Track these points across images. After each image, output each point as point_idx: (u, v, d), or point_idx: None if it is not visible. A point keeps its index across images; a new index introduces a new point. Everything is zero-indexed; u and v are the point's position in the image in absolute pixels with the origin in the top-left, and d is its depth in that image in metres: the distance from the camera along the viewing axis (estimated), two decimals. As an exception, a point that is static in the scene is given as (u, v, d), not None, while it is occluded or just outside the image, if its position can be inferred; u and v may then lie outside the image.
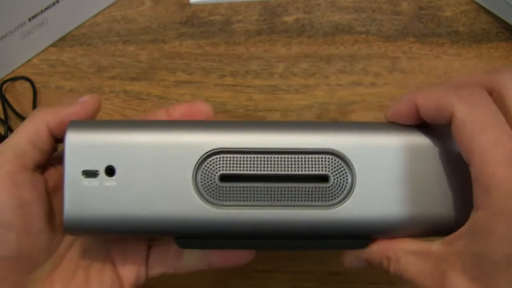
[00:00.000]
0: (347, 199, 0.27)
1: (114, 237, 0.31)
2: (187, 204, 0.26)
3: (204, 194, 0.27)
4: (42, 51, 0.53)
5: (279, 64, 0.51)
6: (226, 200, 0.26)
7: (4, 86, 0.49)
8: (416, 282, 0.26)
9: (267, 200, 0.26)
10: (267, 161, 0.26)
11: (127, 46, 0.53)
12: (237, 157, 0.26)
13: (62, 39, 0.54)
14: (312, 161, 0.27)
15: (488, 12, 0.54)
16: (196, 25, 0.54)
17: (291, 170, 0.27)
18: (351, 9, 0.55)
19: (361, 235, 0.28)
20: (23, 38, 0.51)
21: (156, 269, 0.32)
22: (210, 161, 0.26)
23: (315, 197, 0.27)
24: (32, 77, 0.51)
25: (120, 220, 0.27)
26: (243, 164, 0.26)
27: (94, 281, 0.30)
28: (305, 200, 0.27)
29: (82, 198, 0.26)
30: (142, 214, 0.26)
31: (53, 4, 0.51)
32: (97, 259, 0.31)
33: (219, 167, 0.26)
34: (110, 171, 0.26)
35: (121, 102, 0.49)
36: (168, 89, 0.50)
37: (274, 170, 0.26)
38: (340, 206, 0.27)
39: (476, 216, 0.24)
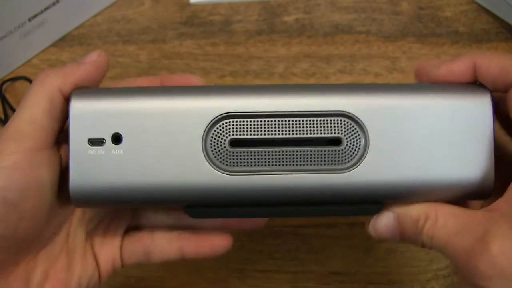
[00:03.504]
0: (361, 162, 0.26)
1: (120, 208, 0.31)
2: (197, 171, 0.25)
3: (214, 160, 0.26)
4: (42, 51, 0.53)
5: (279, 64, 0.51)
6: (237, 166, 0.26)
7: (4, 86, 0.49)
8: (449, 244, 0.25)
9: (279, 165, 0.26)
10: (278, 124, 0.25)
11: (127, 46, 0.53)
12: (247, 121, 0.25)
13: (62, 39, 0.54)
14: (324, 123, 0.26)
15: (488, 12, 0.54)
16: (196, 25, 0.54)
17: (303, 133, 0.26)
18: (351, 9, 0.55)
19: (375, 200, 0.27)
20: (23, 38, 0.51)
21: (131, 258, 0.32)
22: (220, 126, 0.26)
23: (327, 161, 0.26)
24: (32, 77, 0.51)
25: (128, 188, 0.26)
26: (254, 128, 0.26)
27: (76, 267, 0.30)
28: (317, 164, 0.26)
29: (88, 167, 0.25)
30: (150, 182, 0.26)
31: (53, 4, 0.51)
32: (80, 245, 0.30)
33: (229, 132, 0.26)
34: (116, 138, 0.26)
35: (121, 102, 0.49)
36: (168, 89, 0.50)
37: (285, 134, 0.25)
38: (354, 170, 0.26)
39: None
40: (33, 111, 0.26)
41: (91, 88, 0.27)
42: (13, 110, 0.48)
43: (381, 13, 0.54)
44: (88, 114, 0.26)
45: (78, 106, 0.26)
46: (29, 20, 0.50)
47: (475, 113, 0.26)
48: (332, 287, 0.38)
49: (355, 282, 0.38)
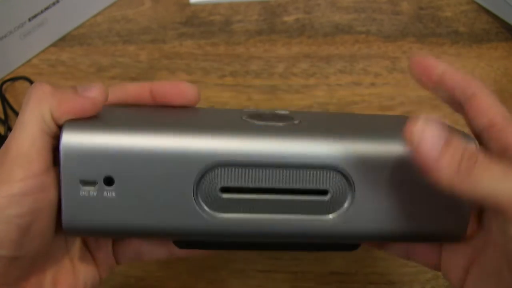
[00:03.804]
0: (344, 212, 0.27)
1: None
2: (187, 215, 0.26)
3: (204, 205, 0.26)
4: (42, 51, 0.53)
5: (279, 64, 0.51)
6: (226, 211, 0.27)
7: (4, 86, 0.49)
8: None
9: (266, 211, 0.27)
10: (269, 175, 0.26)
11: (127, 46, 0.53)
12: (238, 170, 0.26)
13: (62, 39, 0.54)
14: (313, 176, 0.26)
15: (488, 12, 0.54)
16: (196, 25, 0.54)
17: (292, 184, 0.26)
18: (351, 9, 0.55)
19: (354, 243, 0.29)
20: (23, 38, 0.51)
21: (124, 259, 0.32)
22: (211, 173, 0.26)
23: (312, 209, 0.27)
24: (32, 77, 0.51)
25: (120, 229, 0.27)
26: (244, 177, 0.26)
27: (80, 270, 0.30)
28: (302, 212, 0.27)
29: (80, 206, 0.26)
30: (141, 224, 0.26)
31: (53, 4, 0.51)
32: (79, 250, 0.31)
33: (220, 179, 0.26)
34: (108, 181, 0.26)
35: (121, 102, 0.49)
36: (168, 89, 0.50)
37: (275, 184, 0.26)
38: (337, 219, 0.27)
39: None
40: (32, 131, 0.26)
41: (83, 121, 0.26)
42: (13, 110, 0.48)
43: (381, 13, 0.54)
44: (79, 155, 0.25)
45: (69, 145, 0.25)
46: (29, 20, 0.50)
47: None
48: (332, 287, 0.38)
49: (355, 282, 0.38)
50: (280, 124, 0.27)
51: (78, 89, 0.27)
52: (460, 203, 0.27)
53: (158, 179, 0.26)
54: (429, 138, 0.24)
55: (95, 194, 0.26)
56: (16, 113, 0.48)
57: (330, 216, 0.27)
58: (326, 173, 0.26)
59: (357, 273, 0.39)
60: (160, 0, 0.57)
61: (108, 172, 0.25)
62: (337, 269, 0.39)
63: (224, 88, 0.49)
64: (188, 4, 0.56)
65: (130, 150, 0.25)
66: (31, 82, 0.50)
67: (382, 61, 0.50)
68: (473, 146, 0.26)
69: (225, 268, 0.39)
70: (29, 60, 0.52)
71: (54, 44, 0.54)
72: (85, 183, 0.26)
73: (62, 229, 0.28)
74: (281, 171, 0.26)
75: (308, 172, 0.26)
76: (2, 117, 0.48)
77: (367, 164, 0.26)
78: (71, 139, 0.25)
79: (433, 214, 0.27)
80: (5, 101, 0.48)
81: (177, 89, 0.31)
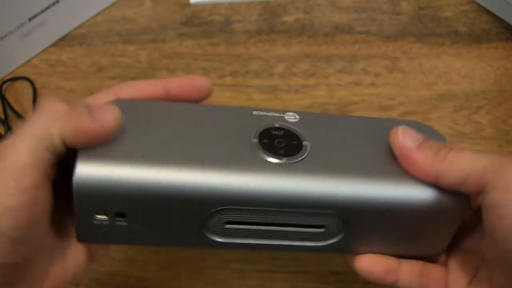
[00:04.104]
0: (337, 239, 0.30)
1: None
2: (193, 239, 0.29)
3: (210, 234, 0.29)
4: (42, 51, 0.53)
5: (279, 64, 0.51)
6: (230, 237, 0.29)
7: (4, 86, 0.49)
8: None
9: (265, 237, 0.30)
10: (269, 214, 0.29)
11: (127, 46, 0.53)
12: (242, 211, 0.28)
13: (62, 39, 0.54)
14: (311, 216, 0.29)
15: (488, 12, 0.54)
16: (196, 25, 0.54)
17: (291, 221, 0.29)
18: (351, 9, 0.55)
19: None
20: (23, 38, 0.51)
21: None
22: (218, 213, 0.28)
23: (308, 238, 0.30)
24: (32, 77, 0.51)
25: (130, 243, 0.32)
26: (247, 216, 0.29)
27: (72, 259, 0.30)
28: (299, 240, 0.30)
29: (93, 229, 0.28)
30: (150, 242, 0.30)
31: (53, 4, 0.51)
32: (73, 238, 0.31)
33: (226, 217, 0.28)
34: (120, 214, 0.27)
35: (121, 102, 0.49)
36: (168, 89, 0.50)
37: (274, 221, 0.29)
38: (330, 245, 0.30)
39: None
40: (34, 146, 0.26)
41: (96, 152, 0.27)
42: (13, 110, 0.48)
43: (381, 13, 0.54)
44: (93, 190, 0.26)
45: (82, 179, 0.26)
46: (29, 20, 0.50)
47: (449, 214, 0.29)
48: (332, 287, 0.38)
49: (355, 282, 0.38)
50: (284, 161, 0.29)
51: (93, 112, 0.27)
52: (440, 235, 0.31)
53: (168, 214, 0.28)
54: (410, 134, 0.29)
55: (107, 222, 0.27)
56: (16, 113, 0.48)
57: (324, 243, 0.30)
58: (323, 214, 0.29)
59: (357, 273, 0.39)
60: (160, 0, 0.57)
61: (121, 208, 0.27)
62: (337, 269, 0.39)
63: (224, 88, 0.49)
64: (188, 4, 0.56)
65: (142, 188, 0.26)
66: (31, 82, 0.50)
67: (382, 61, 0.50)
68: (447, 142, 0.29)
69: (225, 268, 0.39)
70: (29, 60, 0.52)
71: (54, 44, 0.54)
72: (98, 213, 0.27)
73: (58, 233, 0.28)
74: (280, 212, 0.29)
75: (305, 214, 0.29)
76: (2, 117, 0.48)
77: (363, 207, 0.28)
78: (84, 172, 0.26)
79: (415, 243, 0.31)
80: (5, 101, 0.48)
81: (193, 85, 0.31)
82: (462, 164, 0.27)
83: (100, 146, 0.27)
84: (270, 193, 0.28)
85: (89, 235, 0.28)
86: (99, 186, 0.26)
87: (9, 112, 0.48)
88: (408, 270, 0.32)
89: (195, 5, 0.56)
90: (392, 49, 0.51)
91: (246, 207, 0.28)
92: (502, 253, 0.27)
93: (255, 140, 0.29)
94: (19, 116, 0.48)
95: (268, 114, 0.32)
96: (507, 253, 0.26)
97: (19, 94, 0.49)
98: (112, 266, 0.40)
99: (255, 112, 0.32)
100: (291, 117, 0.32)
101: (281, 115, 0.32)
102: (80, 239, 0.28)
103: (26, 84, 0.50)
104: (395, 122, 0.31)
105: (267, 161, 0.28)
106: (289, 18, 0.54)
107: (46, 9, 0.51)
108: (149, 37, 0.54)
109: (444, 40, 0.52)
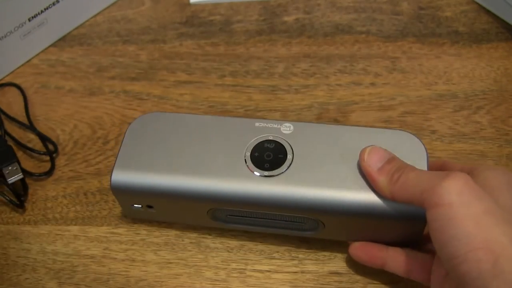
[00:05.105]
0: (315, 232, 0.38)
1: None
2: (203, 221, 0.39)
3: (216, 220, 0.39)
4: (42, 51, 0.53)
5: (279, 64, 0.51)
6: (231, 223, 0.39)
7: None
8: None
9: (260, 225, 0.38)
10: (260, 215, 0.37)
11: (127, 46, 0.53)
12: (232, 210, 0.37)
13: (62, 39, 0.54)
14: (297, 220, 0.37)
15: (488, 12, 0.54)
16: (196, 25, 0.54)
17: (279, 219, 0.37)
18: (351, 9, 0.55)
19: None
20: (23, 38, 0.51)
21: None
22: (219, 208, 0.37)
23: (293, 227, 0.38)
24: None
25: (161, 221, 0.42)
26: (239, 212, 0.38)
27: None
28: (287, 228, 0.38)
29: (132, 210, 0.40)
30: (171, 220, 0.41)
31: (53, 4, 0.51)
32: None
33: (227, 211, 0.38)
34: (150, 206, 0.39)
35: (121, 102, 0.49)
36: (168, 89, 0.50)
37: (265, 217, 0.37)
38: (313, 233, 0.38)
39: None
40: None
41: (130, 168, 0.37)
42: (6, 115, 0.48)
43: (381, 13, 0.54)
44: (127, 192, 0.37)
45: (116, 183, 0.37)
46: (29, 20, 0.50)
47: (409, 222, 0.34)
48: (332, 287, 0.38)
49: (355, 282, 0.38)
50: (266, 174, 0.35)
51: None
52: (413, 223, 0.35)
53: (183, 206, 0.38)
54: (376, 155, 0.34)
55: (141, 209, 0.39)
56: (10, 117, 0.48)
57: (305, 232, 0.38)
58: (307, 219, 0.37)
59: (357, 273, 0.39)
60: (160, 0, 0.57)
61: (148, 202, 0.38)
62: (337, 269, 0.39)
63: (224, 88, 0.49)
64: (188, 4, 0.56)
65: (161, 190, 0.36)
66: (20, 89, 0.50)
67: (382, 61, 0.50)
68: (406, 164, 0.33)
69: (225, 268, 0.39)
70: (29, 60, 0.52)
71: (54, 44, 0.54)
72: (134, 204, 0.39)
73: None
74: (271, 217, 0.37)
75: (293, 219, 0.37)
76: None
77: (325, 214, 0.35)
78: (116, 178, 0.37)
79: (386, 239, 0.37)
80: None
81: None
82: (408, 186, 0.31)
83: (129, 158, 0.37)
84: (251, 199, 0.35)
85: (132, 215, 0.41)
86: (131, 188, 0.37)
87: (2, 117, 0.48)
88: (394, 256, 0.36)
89: (195, 5, 0.56)
90: (392, 49, 0.51)
91: (235, 208, 0.37)
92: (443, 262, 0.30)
93: (248, 154, 0.36)
94: (13, 120, 0.48)
95: (268, 125, 0.38)
96: (444, 262, 0.29)
97: (10, 102, 0.49)
98: (112, 266, 0.40)
99: (257, 124, 0.38)
100: (286, 129, 0.38)
101: (278, 126, 0.38)
102: (127, 216, 0.42)
103: (15, 91, 0.50)
104: (384, 133, 0.37)
105: (253, 174, 0.36)
106: (289, 18, 0.54)
107: (46, 9, 0.51)
108: (149, 37, 0.54)
109: (444, 40, 0.52)
